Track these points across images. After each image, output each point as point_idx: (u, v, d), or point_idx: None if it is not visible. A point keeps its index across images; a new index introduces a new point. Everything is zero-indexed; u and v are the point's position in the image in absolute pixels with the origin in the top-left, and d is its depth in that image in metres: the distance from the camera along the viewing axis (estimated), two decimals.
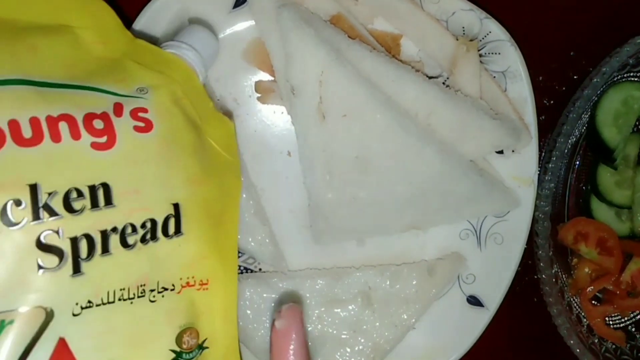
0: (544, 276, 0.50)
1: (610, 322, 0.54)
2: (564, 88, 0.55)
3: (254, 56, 0.49)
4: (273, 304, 0.50)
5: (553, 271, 0.51)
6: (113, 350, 0.35)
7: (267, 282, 0.50)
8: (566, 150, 0.49)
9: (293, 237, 0.51)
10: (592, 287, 0.53)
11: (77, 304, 0.33)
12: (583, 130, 0.52)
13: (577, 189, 0.54)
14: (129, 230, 0.35)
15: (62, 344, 0.33)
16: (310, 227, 0.51)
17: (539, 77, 0.54)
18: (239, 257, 0.52)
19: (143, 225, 0.36)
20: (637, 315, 0.55)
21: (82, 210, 0.33)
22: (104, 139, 0.35)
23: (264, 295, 0.50)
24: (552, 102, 0.55)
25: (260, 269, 0.52)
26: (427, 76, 0.49)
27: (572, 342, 0.50)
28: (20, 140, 0.32)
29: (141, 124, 0.37)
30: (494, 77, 0.49)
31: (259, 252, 0.50)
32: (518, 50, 0.48)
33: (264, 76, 0.50)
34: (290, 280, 0.50)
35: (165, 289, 0.37)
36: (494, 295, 0.51)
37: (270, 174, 0.51)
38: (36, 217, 0.32)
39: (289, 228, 0.51)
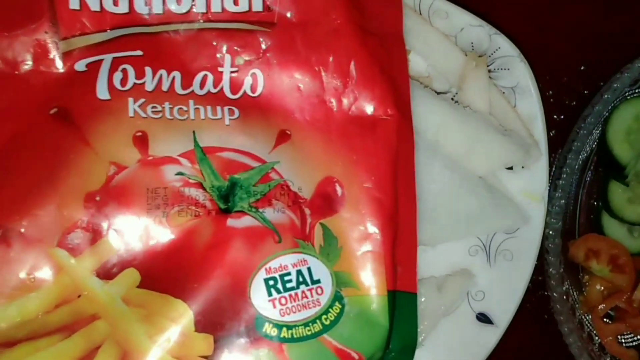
0: (554, 294, 0.50)
1: (623, 341, 0.53)
2: (574, 103, 0.54)
3: None
4: None
5: (564, 288, 0.51)
6: None
7: None
8: (576, 167, 0.49)
9: None
10: (604, 305, 0.52)
11: None
12: (594, 146, 0.52)
13: (588, 205, 0.54)
14: None
15: None
16: None
17: (548, 92, 0.53)
18: None
19: None
20: None
21: None
22: None
23: None
24: (562, 117, 0.54)
25: None
26: (436, 92, 0.49)
27: None
28: None
29: None
30: (504, 92, 0.48)
31: None
32: (528, 66, 0.48)
33: None
34: None
35: None
36: (504, 313, 0.50)
37: None
38: None
39: None
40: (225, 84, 0.37)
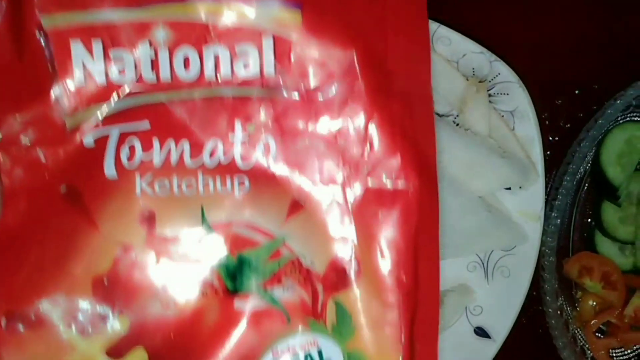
0: (550, 310, 0.51)
1: (614, 355, 0.55)
2: (568, 125, 0.56)
3: None
4: None
5: (558, 304, 0.52)
6: None
7: None
8: (572, 188, 0.51)
9: None
10: (596, 320, 0.54)
11: None
12: (587, 167, 0.54)
13: (581, 223, 0.56)
14: None
15: None
16: None
17: (544, 114, 0.55)
18: None
19: None
20: None
21: None
22: None
23: None
24: (556, 138, 0.56)
25: None
26: (438, 114, 0.51)
27: None
28: None
29: None
30: (503, 116, 0.50)
31: None
32: (526, 91, 0.50)
33: None
34: None
35: None
36: (500, 327, 0.52)
37: None
38: None
39: None
40: (235, 152, 0.35)
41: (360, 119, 0.35)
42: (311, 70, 0.35)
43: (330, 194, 0.35)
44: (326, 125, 0.35)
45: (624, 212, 0.54)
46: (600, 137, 0.52)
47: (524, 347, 0.56)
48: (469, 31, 0.50)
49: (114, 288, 0.34)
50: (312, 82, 0.35)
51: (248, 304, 0.35)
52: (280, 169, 0.35)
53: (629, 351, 0.55)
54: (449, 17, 0.50)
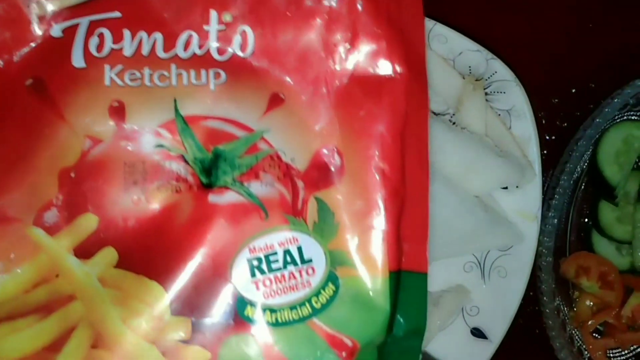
0: (547, 310, 0.51)
1: (611, 355, 0.55)
2: (565, 124, 0.56)
3: None
4: None
5: (555, 304, 0.52)
6: None
7: None
8: (568, 188, 0.50)
9: None
10: (594, 321, 0.54)
11: None
12: (584, 167, 0.54)
13: (578, 223, 0.55)
14: None
15: None
16: None
17: (541, 113, 0.55)
18: None
19: None
20: (638, 349, 0.55)
21: None
22: None
23: None
24: (553, 137, 0.56)
25: None
26: (434, 113, 0.50)
27: None
28: None
29: None
30: (499, 115, 0.50)
31: None
32: (523, 90, 0.49)
33: None
34: None
35: None
36: (497, 328, 0.51)
37: None
38: None
39: None
40: (211, 44, 0.33)
41: (342, 4, 0.33)
42: None
43: (311, 85, 0.34)
44: (306, 12, 0.33)
45: (621, 212, 0.53)
46: (597, 136, 0.52)
47: (521, 348, 0.56)
48: (465, 29, 0.49)
49: (81, 182, 0.32)
50: None
51: (223, 198, 0.33)
52: (258, 60, 0.33)
53: (626, 352, 0.55)
54: (446, 14, 0.50)
